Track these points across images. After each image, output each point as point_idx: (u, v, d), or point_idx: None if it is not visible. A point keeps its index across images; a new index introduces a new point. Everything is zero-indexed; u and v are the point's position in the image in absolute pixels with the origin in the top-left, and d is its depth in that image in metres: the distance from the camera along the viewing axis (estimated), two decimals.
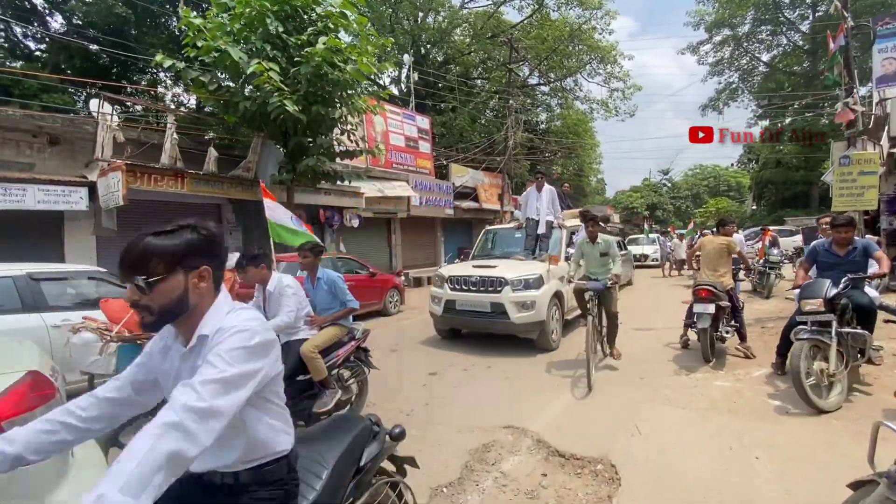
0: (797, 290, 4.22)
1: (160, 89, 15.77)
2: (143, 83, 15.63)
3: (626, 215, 48.10)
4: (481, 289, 6.13)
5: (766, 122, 30.70)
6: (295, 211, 11.67)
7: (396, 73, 23.70)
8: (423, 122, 18.80)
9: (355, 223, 13.30)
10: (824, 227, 6.59)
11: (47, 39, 14.66)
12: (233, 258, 6.35)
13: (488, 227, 8.27)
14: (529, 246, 7.23)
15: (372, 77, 24.38)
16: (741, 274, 7.81)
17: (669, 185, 55.29)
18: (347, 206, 13.08)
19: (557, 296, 6.31)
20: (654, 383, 4.60)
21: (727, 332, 5.22)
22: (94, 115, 9.05)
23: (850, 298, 3.92)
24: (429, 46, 24.83)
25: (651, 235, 22.06)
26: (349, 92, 9.25)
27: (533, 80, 28.72)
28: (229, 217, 11.64)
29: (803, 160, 25.99)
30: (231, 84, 8.90)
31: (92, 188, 8.28)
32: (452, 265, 7.40)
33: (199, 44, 7.95)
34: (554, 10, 25.11)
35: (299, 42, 8.43)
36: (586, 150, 34.94)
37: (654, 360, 5.44)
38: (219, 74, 8.68)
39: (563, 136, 29.63)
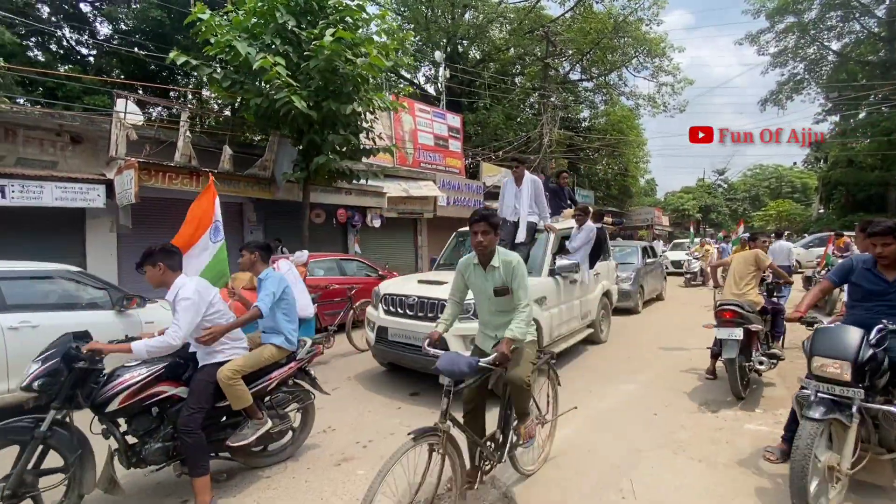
0: (807, 341, 2.71)
1: (185, 88, 16.17)
2: (184, 84, 16.13)
3: (677, 218, 45.49)
4: (419, 314, 4.54)
5: (835, 118, 27.85)
6: (312, 210, 11.61)
7: (431, 71, 23.38)
8: (454, 120, 18.33)
9: (377, 223, 13.02)
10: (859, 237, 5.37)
11: (95, 44, 15.40)
12: (302, 255, 6.24)
13: (461, 230, 6.49)
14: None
15: (392, 72, 24.31)
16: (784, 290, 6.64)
17: (725, 186, 51.78)
18: (370, 206, 12.81)
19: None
20: (668, 422, 3.86)
21: (761, 364, 4.35)
22: (119, 114, 9.24)
23: (892, 354, 2.54)
24: (465, 43, 24.32)
25: (696, 240, 20.42)
26: (364, 87, 8.92)
27: (574, 76, 27.56)
28: (250, 216, 11.64)
29: (879, 159, 23.23)
30: (245, 80, 8.80)
31: (110, 186, 8.40)
32: (392, 280, 5.89)
33: (212, 40, 7.87)
34: (597, 2, 23.88)
35: (311, 36, 8.17)
36: (632, 148, 33.23)
37: (675, 391, 4.66)
38: (232, 71, 8.57)
39: (607, 133, 28.25)
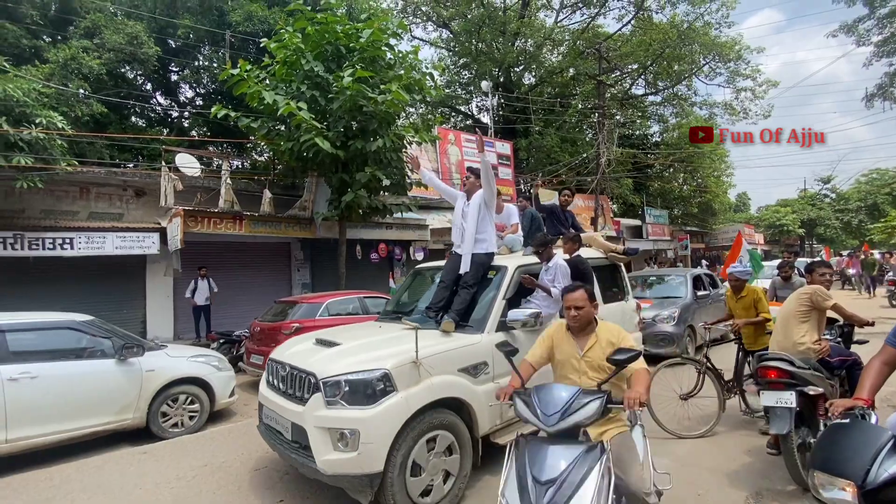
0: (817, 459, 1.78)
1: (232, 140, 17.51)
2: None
3: (773, 234, 40.45)
4: (287, 390, 3.37)
5: None
6: (354, 246, 11.76)
7: (485, 101, 23.41)
8: (504, 147, 18.04)
9: (419, 256, 12.86)
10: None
11: (178, 107, 17.41)
12: None
13: (419, 266, 5.30)
14: (437, 301, 3.99)
15: (447, 105, 24.62)
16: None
17: (833, 195, 45.31)
18: (413, 239, 12.73)
19: (441, 418, 3.14)
20: None
21: None
22: (179, 167, 10.15)
23: None
24: (519, 70, 24.17)
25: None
26: (390, 123, 8.95)
27: (638, 90, 26.08)
28: (297, 254, 12.08)
29: None
30: (281, 127, 9.24)
31: (163, 233, 9.11)
32: (298, 338, 4.27)
33: (246, 92, 8.38)
34: (656, 13, 22.60)
35: (337, 79, 8.40)
36: (709, 160, 30.41)
37: (721, 471, 3.67)
38: (267, 119, 9.03)
39: (679, 147, 26.15)
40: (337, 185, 9.18)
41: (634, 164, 23.97)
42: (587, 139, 23.40)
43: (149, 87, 16.61)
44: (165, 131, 16.33)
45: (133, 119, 16.75)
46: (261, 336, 7.03)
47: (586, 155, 19.17)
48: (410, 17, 23.35)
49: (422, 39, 24.65)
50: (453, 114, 25.72)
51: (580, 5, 23.74)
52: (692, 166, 26.61)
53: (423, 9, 23.27)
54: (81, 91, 10.60)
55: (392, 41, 9.45)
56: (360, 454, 2.79)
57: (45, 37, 12.04)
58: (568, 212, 5.69)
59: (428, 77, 9.77)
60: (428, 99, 10.33)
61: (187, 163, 10.09)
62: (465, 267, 3.99)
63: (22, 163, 6.81)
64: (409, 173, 10.02)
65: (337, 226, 9.96)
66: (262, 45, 9.56)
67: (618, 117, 25.09)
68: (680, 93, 25.12)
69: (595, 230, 18.02)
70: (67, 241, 8.10)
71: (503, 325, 3.68)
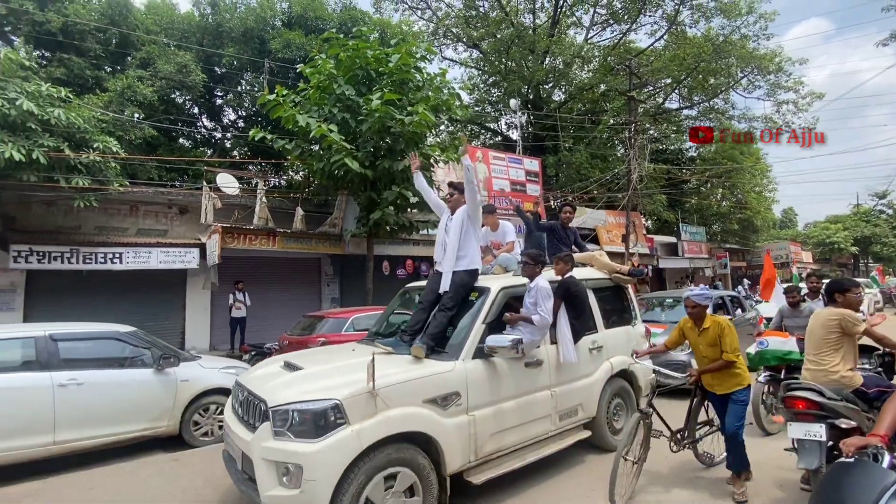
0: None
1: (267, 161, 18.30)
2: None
3: (823, 253, 38.24)
4: (244, 416, 3.19)
5: None
6: (382, 262, 12.00)
7: (512, 118, 23.58)
8: (532, 164, 18.03)
9: None
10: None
11: (221, 129, 18.44)
12: None
13: (409, 286, 5.01)
14: (414, 323, 3.81)
15: (476, 123, 24.85)
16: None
17: (890, 211, 42.55)
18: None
19: (401, 454, 2.89)
20: None
21: None
22: (221, 187, 10.74)
23: None
24: (549, 87, 24.25)
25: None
26: (417, 143, 9.20)
27: (673, 105, 25.57)
28: (327, 269, 12.43)
29: None
30: (314, 147, 9.65)
31: (203, 249, 9.62)
32: (270, 359, 4.13)
33: (282, 115, 8.84)
34: (690, 27, 22.24)
35: (367, 101, 8.74)
36: (753, 176, 29.26)
37: (759, 495, 3.52)
38: (302, 141, 9.46)
39: (716, 162, 25.36)
40: (365, 203, 9.48)
41: (668, 179, 23.39)
42: (618, 155, 23.08)
43: (195, 110, 17.70)
44: (209, 152, 17.30)
45: (181, 140, 17.88)
46: (289, 349, 7.26)
47: (617, 171, 18.87)
48: (440, 39, 23.93)
49: (452, 60, 25.19)
50: (482, 131, 25.97)
51: (610, 22, 23.70)
52: (730, 182, 25.67)
53: (454, 31, 23.83)
54: (136, 116, 11.48)
55: (421, 64, 9.77)
56: (303, 492, 2.57)
57: (106, 67, 13.10)
58: (570, 229, 5.46)
59: (455, 98, 10.04)
60: (455, 118, 10.50)
61: (227, 182, 10.66)
62: (444, 286, 3.78)
63: (80, 184, 7.42)
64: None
65: (365, 242, 10.23)
66: (298, 71, 10.09)
67: (651, 132, 24.63)
68: (716, 106, 24.47)
69: (627, 248, 17.62)
70: (117, 255, 8.70)
71: (482, 352, 3.42)
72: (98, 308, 8.92)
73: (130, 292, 9.55)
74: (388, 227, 9.69)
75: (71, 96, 7.77)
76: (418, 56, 9.47)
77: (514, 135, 25.32)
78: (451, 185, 4.22)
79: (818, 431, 2.90)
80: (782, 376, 4.52)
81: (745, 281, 27.24)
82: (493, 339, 3.36)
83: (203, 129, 18.98)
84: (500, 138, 25.78)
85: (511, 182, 16.89)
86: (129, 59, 13.46)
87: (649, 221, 26.79)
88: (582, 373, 4.21)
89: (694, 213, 26.82)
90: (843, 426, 2.94)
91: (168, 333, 10.01)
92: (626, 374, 4.69)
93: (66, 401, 4.37)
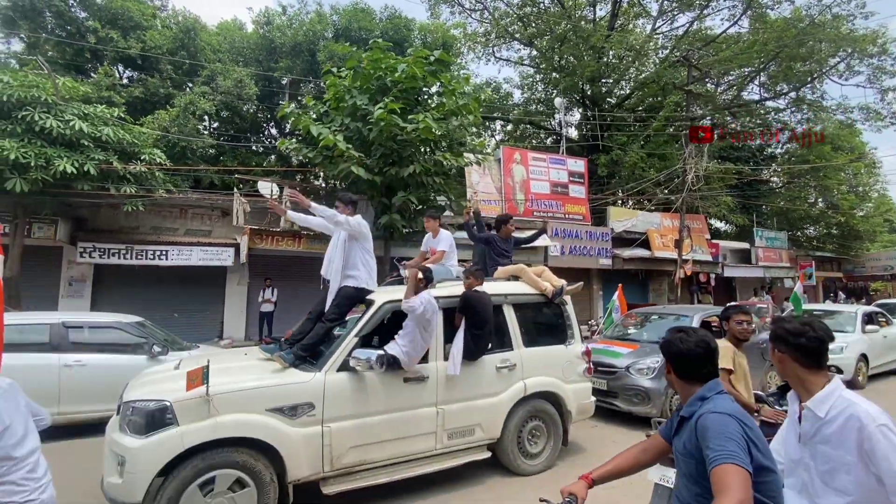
0: None
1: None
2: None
3: None
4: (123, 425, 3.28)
5: None
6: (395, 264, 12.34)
7: (571, 117, 22.80)
8: (577, 164, 17.35)
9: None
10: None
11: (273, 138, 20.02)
12: None
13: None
14: (298, 333, 3.95)
15: (530, 124, 24.24)
16: None
17: None
18: (461, 259, 12.92)
19: (233, 457, 3.04)
20: None
21: None
22: (261, 191, 11.78)
23: None
24: (609, 83, 23.10)
25: None
26: (425, 150, 9.40)
27: (754, 96, 23.08)
28: None
29: None
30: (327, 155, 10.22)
31: (237, 248, 10.63)
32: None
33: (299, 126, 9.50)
34: (770, 8, 19.94)
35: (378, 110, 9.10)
36: (858, 173, 25.51)
37: None
38: (322, 149, 10.06)
39: (806, 160, 22.49)
40: (379, 209, 9.87)
41: (739, 179, 21.20)
42: (679, 153, 21.37)
43: (259, 119, 19.38)
44: (272, 158, 18.86)
45: (244, 148, 19.70)
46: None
47: (671, 170, 17.51)
48: (494, 39, 23.77)
49: (507, 60, 24.90)
50: (536, 131, 25.40)
51: (680, 9, 21.95)
52: (821, 184, 22.61)
53: (510, 29, 23.55)
54: (202, 127, 12.95)
55: (442, 70, 9.84)
56: (124, 482, 2.85)
57: (177, 85, 14.88)
58: (510, 240, 5.46)
59: (477, 102, 10.06)
60: (485, 118, 10.50)
61: (265, 188, 11.65)
62: (329, 299, 3.93)
63: (128, 192, 8.61)
64: (448, 198, 10.35)
65: (381, 245, 10.60)
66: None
67: (736, 126, 22.35)
68: (805, 96, 21.68)
69: (679, 254, 16.28)
70: (163, 252, 9.93)
71: (346, 367, 3.46)
72: (151, 299, 10.26)
73: (179, 286, 10.83)
74: (401, 229, 10.00)
75: (124, 115, 9.01)
76: (430, 61, 9.58)
77: (572, 133, 24.51)
78: (337, 198, 4.28)
79: (671, 477, 2.64)
80: None
81: (841, 294, 23.85)
82: (358, 353, 3.42)
83: (262, 139, 20.66)
84: (554, 138, 25.06)
85: (552, 184, 16.40)
86: (196, 76, 15.16)
87: (722, 224, 24.42)
88: (483, 391, 4.05)
89: (773, 217, 24.04)
90: None
91: (209, 324, 11.21)
92: (549, 396, 4.42)
93: (71, 378, 5.19)
